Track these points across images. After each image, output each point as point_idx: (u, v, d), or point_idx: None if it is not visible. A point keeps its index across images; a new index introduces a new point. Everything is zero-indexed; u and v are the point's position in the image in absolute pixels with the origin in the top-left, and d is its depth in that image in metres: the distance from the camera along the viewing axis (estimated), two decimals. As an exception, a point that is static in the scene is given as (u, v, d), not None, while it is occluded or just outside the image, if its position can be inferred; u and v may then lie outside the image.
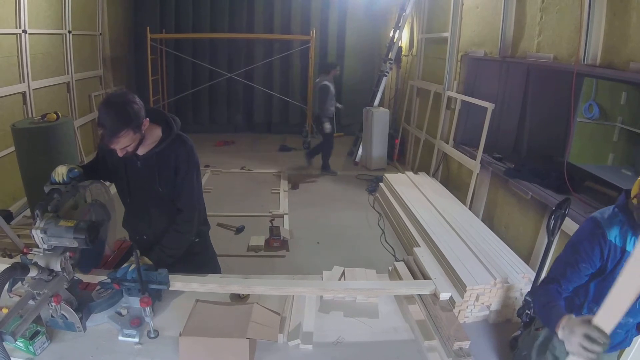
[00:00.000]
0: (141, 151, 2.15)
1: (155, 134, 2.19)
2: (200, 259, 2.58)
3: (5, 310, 1.72)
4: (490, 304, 3.08)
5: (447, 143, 5.78)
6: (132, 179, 2.25)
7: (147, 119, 2.07)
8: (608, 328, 1.30)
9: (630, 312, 1.55)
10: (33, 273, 1.60)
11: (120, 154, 2.04)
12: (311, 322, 2.07)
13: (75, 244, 1.70)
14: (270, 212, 5.49)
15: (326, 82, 6.78)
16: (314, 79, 9.36)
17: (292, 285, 2.20)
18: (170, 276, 2.07)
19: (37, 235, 1.66)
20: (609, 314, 1.30)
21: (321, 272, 2.51)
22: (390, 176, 5.95)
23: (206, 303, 1.99)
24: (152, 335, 1.92)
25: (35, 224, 1.66)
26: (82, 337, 1.86)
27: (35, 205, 1.77)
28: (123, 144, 1.98)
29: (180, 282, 2.10)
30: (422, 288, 2.24)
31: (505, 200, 4.39)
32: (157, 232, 2.32)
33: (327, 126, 6.98)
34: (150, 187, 2.23)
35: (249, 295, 2.26)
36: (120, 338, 1.90)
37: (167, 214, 2.29)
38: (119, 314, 2.03)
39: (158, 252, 2.18)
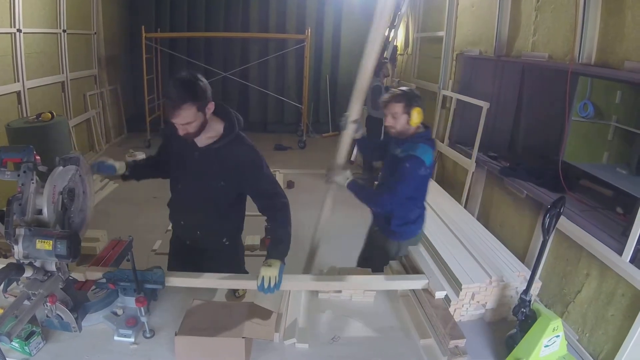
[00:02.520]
0: (200, 142, 2.18)
1: (216, 128, 2.20)
2: (227, 260, 2.59)
3: (0, 311, 1.71)
4: (486, 303, 3.09)
5: (442, 142, 5.79)
6: (188, 168, 2.26)
7: (213, 102, 2.08)
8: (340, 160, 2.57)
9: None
10: (28, 273, 1.59)
11: (180, 132, 2.05)
12: (307, 321, 2.07)
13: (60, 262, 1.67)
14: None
15: (378, 84, 6.74)
16: (309, 78, 9.36)
17: (286, 280, 2.19)
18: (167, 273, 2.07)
19: (22, 259, 1.63)
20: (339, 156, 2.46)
21: (317, 271, 2.51)
22: (386, 175, 5.96)
23: (202, 302, 1.99)
24: (148, 335, 1.92)
25: (12, 252, 1.62)
26: (78, 337, 1.86)
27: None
28: (184, 119, 1.98)
29: (175, 278, 2.10)
30: (415, 283, 2.25)
31: (501, 198, 4.40)
32: (197, 222, 2.37)
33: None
34: (203, 179, 2.25)
35: (244, 294, 2.26)
36: (115, 338, 1.89)
37: (213, 207, 2.33)
38: (115, 313, 2.02)
39: (279, 247, 2.20)
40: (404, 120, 2.55)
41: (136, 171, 2.37)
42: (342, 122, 2.79)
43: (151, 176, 2.46)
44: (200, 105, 2.00)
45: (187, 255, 2.55)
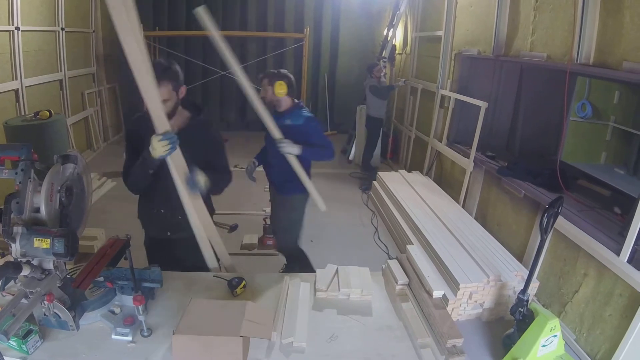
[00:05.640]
0: (174, 128, 2.29)
1: (184, 115, 2.44)
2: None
3: (-3, 309, 1.70)
4: (484, 302, 3.10)
5: (441, 141, 5.80)
6: None
7: (185, 87, 2.34)
8: (159, 129, 2.12)
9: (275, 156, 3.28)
10: (26, 271, 1.59)
11: None
12: (305, 320, 2.07)
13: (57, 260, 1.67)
14: (264, 211, 5.47)
15: (374, 83, 6.75)
16: (307, 77, 9.36)
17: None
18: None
19: (19, 258, 1.63)
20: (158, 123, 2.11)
21: (314, 270, 2.51)
22: (383, 174, 5.97)
23: (200, 301, 1.98)
24: (145, 334, 1.91)
25: (10, 250, 1.62)
26: (75, 335, 1.85)
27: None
28: (163, 96, 2.18)
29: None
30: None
31: (498, 198, 4.41)
32: (174, 205, 2.42)
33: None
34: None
35: (242, 293, 2.27)
36: (113, 337, 1.89)
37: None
38: (112, 312, 2.02)
39: (212, 174, 2.41)
40: (270, 91, 3.25)
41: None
42: (248, 170, 3.58)
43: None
44: (175, 85, 2.26)
45: (166, 250, 2.60)
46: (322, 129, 3.43)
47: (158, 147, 2.11)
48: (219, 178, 2.53)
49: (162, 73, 2.19)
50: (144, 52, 2.01)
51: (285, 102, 3.33)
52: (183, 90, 2.33)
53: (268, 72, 3.39)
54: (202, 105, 2.55)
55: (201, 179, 2.31)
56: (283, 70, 3.39)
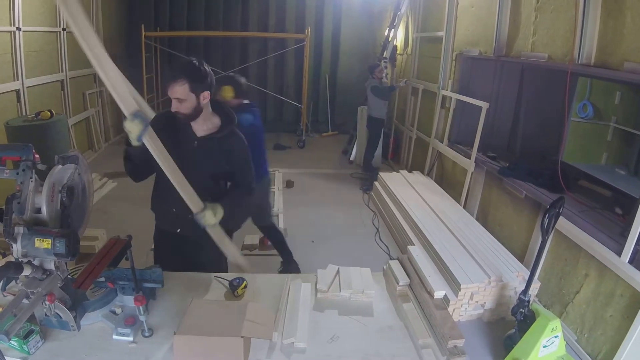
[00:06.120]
0: (199, 132, 2.32)
1: (214, 121, 2.36)
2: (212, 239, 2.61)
3: (-2, 309, 1.70)
4: (485, 303, 3.10)
5: (442, 142, 5.79)
6: (184, 156, 2.29)
7: (209, 92, 2.22)
8: (126, 111, 1.94)
9: None
10: (27, 271, 1.59)
11: (172, 107, 2.17)
12: (306, 321, 2.07)
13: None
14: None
15: (375, 84, 6.75)
16: (308, 78, 9.36)
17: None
18: None
19: (20, 258, 1.63)
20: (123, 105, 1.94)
21: (315, 270, 2.51)
22: (384, 175, 5.97)
23: (201, 302, 1.99)
24: (147, 334, 1.91)
25: (11, 250, 1.62)
26: (76, 336, 1.86)
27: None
28: (175, 93, 2.12)
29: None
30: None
31: (500, 199, 4.41)
32: (187, 207, 2.37)
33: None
34: (200, 166, 2.35)
35: (243, 293, 2.27)
36: (114, 337, 1.89)
37: (204, 190, 2.36)
38: (113, 312, 2.02)
39: (229, 200, 2.41)
40: (219, 94, 3.40)
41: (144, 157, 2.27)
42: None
43: (149, 170, 2.43)
44: (194, 87, 2.13)
45: (174, 246, 2.59)
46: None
47: (133, 129, 1.96)
48: (239, 200, 2.54)
49: (180, 70, 2.13)
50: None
51: (233, 104, 3.49)
52: (206, 94, 2.21)
53: (220, 76, 3.55)
54: (234, 116, 2.44)
55: (210, 218, 2.26)
56: (231, 74, 3.67)
